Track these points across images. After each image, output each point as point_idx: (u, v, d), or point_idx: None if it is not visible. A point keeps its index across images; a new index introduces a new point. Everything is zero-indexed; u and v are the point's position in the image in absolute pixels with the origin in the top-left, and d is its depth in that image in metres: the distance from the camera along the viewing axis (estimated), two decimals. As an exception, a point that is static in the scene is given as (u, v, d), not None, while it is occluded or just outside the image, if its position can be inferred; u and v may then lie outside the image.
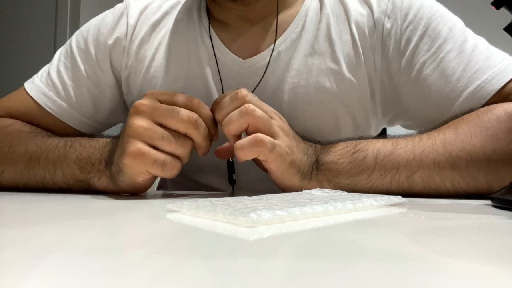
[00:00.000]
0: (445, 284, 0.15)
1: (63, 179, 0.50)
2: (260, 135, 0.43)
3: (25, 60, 2.26)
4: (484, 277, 0.16)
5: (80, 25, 2.27)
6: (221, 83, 0.59)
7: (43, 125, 0.62)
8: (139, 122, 0.42)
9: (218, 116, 0.46)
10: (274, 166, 0.44)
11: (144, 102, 0.43)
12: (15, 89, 0.66)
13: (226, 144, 0.49)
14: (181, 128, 0.43)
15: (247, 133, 0.45)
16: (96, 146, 0.50)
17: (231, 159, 0.56)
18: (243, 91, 0.45)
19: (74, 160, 0.49)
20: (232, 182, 0.55)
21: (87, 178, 0.48)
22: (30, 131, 0.58)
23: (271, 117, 0.46)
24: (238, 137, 0.45)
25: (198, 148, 0.45)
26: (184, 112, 0.43)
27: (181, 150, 0.42)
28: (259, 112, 0.44)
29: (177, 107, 0.43)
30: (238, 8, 0.60)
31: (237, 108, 0.44)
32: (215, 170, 0.61)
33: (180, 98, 0.44)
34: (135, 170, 0.42)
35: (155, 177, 0.44)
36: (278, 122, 0.46)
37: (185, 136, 0.43)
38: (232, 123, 0.44)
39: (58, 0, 2.25)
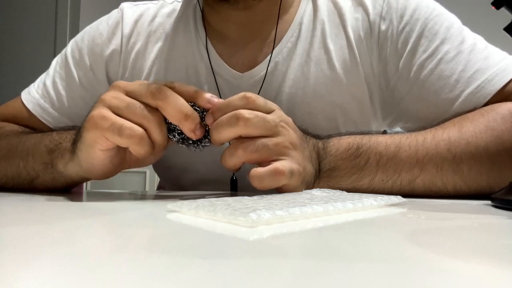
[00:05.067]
0: (445, 284, 0.15)
1: (33, 165, 0.48)
2: (278, 166, 0.40)
3: (25, 60, 2.26)
4: (484, 277, 0.16)
5: (80, 25, 2.27)
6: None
7: None
8: (107, 97, 0.40)
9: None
10: (287, 189, 0.42)
11: (108, 93, 0.40)
12: (15, 88, 0.66)
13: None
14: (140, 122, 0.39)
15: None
16: (71, 131, 0.48)
17: (234, 176, 0.55)
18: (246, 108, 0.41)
19: (45, 144, 0.48)
20: None
21: (51, 159, 0.47)
22: (21, 130, 0.58)
23: (280, 126, 0.42)
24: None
25: (154, 142, 0.40)
26: (139, 110, 0.39)
27: (146, 120, 0.39)
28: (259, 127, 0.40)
29: (137, 103, 0.39)
30: (238, 14, 0.58)
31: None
32: (216, 183, 0.59)
33: (145, 89, 0.40)
34: (92, 135, 0.39)
35: (119, 156, 0.41)
36: (287, 134, 0.42)
37: (153, 109, 0.40)
38: (222, 130, 0.40)
39: (58, 0, 2.25)
